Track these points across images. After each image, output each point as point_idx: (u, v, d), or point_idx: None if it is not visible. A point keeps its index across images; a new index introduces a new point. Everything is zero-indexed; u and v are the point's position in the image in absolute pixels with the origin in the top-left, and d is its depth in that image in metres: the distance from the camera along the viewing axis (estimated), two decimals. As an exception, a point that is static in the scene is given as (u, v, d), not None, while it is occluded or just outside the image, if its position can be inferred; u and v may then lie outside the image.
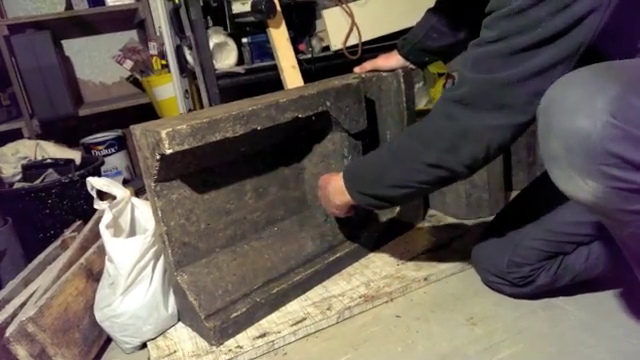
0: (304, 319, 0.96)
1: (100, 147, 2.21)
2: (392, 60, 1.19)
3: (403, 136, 0.86)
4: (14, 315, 0.89)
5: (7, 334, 0.81)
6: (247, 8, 1.39)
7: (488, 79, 0.69)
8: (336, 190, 0.94)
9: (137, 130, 0.86)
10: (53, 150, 1.59)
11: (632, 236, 0.67)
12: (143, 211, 1.02)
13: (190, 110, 1.80)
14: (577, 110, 0.59)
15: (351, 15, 1.53)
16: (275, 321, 0.97)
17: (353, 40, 1.55)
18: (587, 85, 0.60)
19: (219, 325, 0.91)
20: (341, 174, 0.93)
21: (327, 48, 1.58)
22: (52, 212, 1.40)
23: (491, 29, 0.69)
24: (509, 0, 0.66)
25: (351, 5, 1.54)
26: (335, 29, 1.54)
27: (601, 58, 0.66)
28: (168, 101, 1.98)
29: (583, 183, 0.61)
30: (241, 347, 0.91)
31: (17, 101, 2.03)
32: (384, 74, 1.19)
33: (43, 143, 1.61)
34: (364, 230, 1.18)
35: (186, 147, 0.81)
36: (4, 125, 1.98)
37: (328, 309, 0.99)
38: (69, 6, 2.11)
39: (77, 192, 1.43)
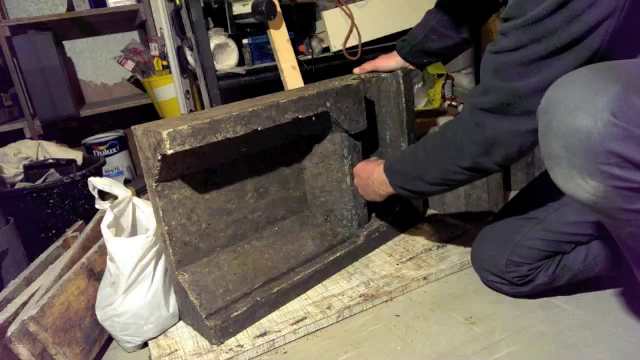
0: (304, 318, 0.97)
1: (101, 147, 2.22)
2: (392, 61, 1.19)
3: (437, 138, 0.88)
4: (16, 314, 0.90)
5: (9, 333, 0.81)
6: (248, 10, 1.39)
7: (511, 88, 0.71)
8: (380, 182, 0.99)
9: (138, 130, 0.86)
10: (55, 150, 1.60)
11: (632, 235, 0.67)
12: (144, 211, 1.02)
13: (191, 111, 1.81)
14: (578, 109, 0.59)
15: (351, 16, 1.53)
16: (275, 320, 0.98)
17: (353, 41, 1.56)
18: (588, 84, 0.60)
19: (220, 324, 0.91)
20: (381, 167, 0.99)
21: (327, 49, 1.59)
22: (54, 212, 1.41)
23: (508, 38, 0.70)
24: (524, 9, 0.67)
25: (351, 6, 1.55)
26: (335, 30, 1.54)
27: (604, 57, 0.67)
28: (169, 102, 1.98)
29: (583, 182, 0.61)
30: (242, 346, 0.91)
31: (19, 102, 2.04)
32: (384, 75, 1.19)
33: (45, 143, 1.61)
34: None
35: (187, 147, 0.81)
36: (6, 125, 1.99)
37: (328, 308, 0.99)
38: (71, 7, 2.12)
39: (79, 192, 1.43)
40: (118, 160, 2.26)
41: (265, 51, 1.49)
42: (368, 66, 1.22)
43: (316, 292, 1.06)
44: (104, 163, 1.63)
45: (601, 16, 0.63)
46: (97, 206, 0.98)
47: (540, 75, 0.68)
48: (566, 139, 0.61)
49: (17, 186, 1.48)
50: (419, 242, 1.22)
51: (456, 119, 0.84)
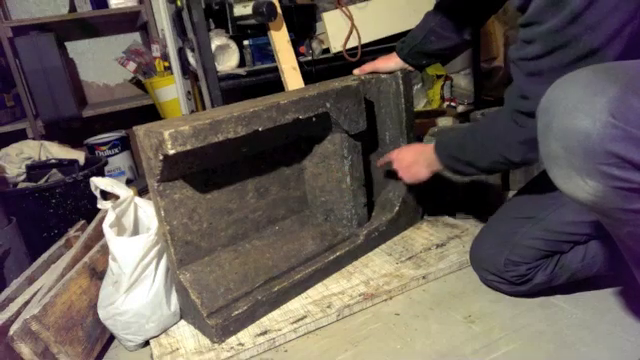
0: (304, 317, 0.98)
1: (104, 147, 2.23)
2: (391, 62, 1.20)
3: (484, 132, 0.90)
4: (18, 313, 0.90)
5: (11, 332, 0.82)
6: (249, 11, 1.40)
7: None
8: (430, 162, 1.04)
9: (140, 131, 0.87)
10: (57, 150, 1.61)
11: (630, 235, 0.67)
12: (146, 210, 1.03)
13: (192, 111, 1.82)
14: (577, 110, 0.60)
15: (350, 18, 1.54)
16: (276, 319, 0.98)
17: (353, 42, 1.56)
18: (587, 85, 0.60)
19: (221, 323, 0.92)
20: (431, 148, 1.03)
21: (327, 50, 1.59)
22: (56, 212, 1.41)
23: (533, 45, 0.73)
24: (545, 17, 0.69)
25: (350, 8, 1.55)
26: (335, 32, 1.55)
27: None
28: (171, 102, 1.99)
29: (582, 182, 0.61)
30: (242, 344, 0.92)
31: (21, 102, 2.05)
32: (383, 76, 1.20)
33: (47, 144, 1.62)
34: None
35: (188, 148, 0.82)
36: (8, 126, 2.00)
37: (328, 307, 1.00)
38: (73, 8, 2.13)
39: (81, 192, 1.44)
40: (120, 160, 2.27)
41: (266, 52, 1.50)
42: (368, 67, 1.23)
43: (316, 291, 1.06)
44: (106, 163, 1.64)
45: (623, 21, 0.65)
46: (99, 206, 0.99)
47: None
48: (565, 140, 0.61)
49: (19, 186, 1.49)
50: (418, 241, 1.23)
51: (499, 115, 0.86)
